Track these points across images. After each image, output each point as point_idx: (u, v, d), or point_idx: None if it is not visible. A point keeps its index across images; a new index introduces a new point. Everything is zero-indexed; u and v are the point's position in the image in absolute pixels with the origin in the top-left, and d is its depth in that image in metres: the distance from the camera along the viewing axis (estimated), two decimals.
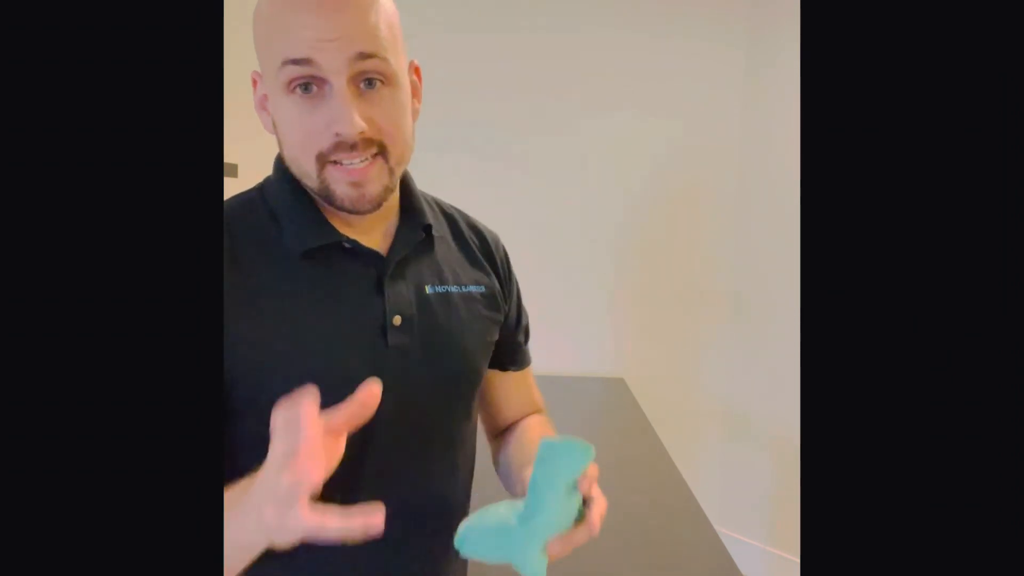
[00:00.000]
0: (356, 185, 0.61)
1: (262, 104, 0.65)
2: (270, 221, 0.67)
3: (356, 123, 0.58)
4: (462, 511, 0.78)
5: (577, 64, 2.37)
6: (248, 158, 1.61)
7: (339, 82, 0.58)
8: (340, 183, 0.61)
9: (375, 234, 0.70)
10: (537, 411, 0.90)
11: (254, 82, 0.65)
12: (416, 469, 0.70)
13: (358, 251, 0.66)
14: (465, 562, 0.79)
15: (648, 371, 2.43)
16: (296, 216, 0.66)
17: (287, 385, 0.60)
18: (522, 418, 0.88)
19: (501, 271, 0.80)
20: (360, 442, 0.65)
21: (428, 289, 0.70)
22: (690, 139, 2.39)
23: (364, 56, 0.58)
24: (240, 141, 1.29)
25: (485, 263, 0.78)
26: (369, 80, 0.60)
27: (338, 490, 0.62)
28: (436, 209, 0.78)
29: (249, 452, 0.62)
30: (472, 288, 0.74)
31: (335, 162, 0.60)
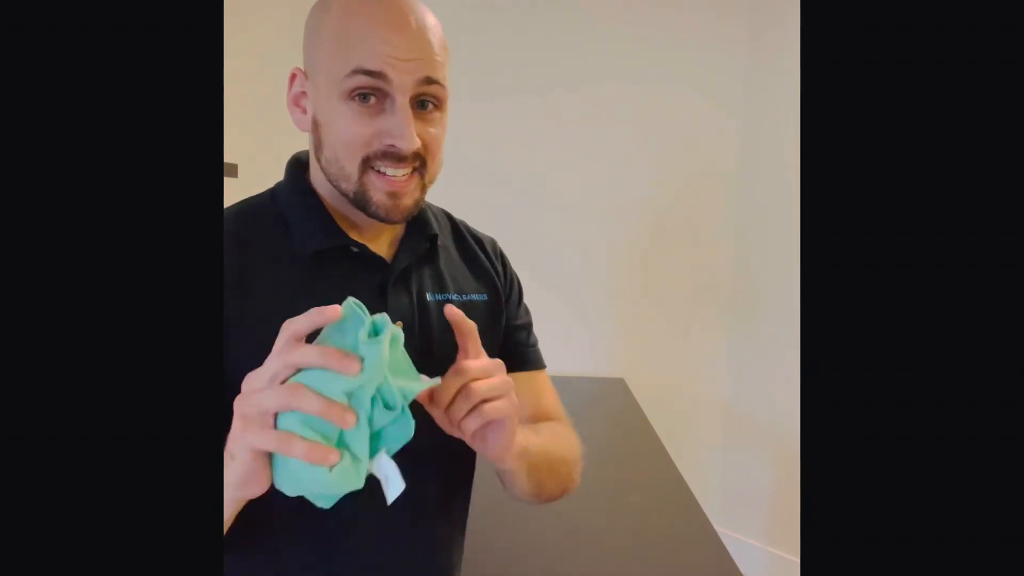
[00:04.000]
0: (393, 195, 0.63)
1: (296, 101, 0.67)
2: (280, 226, 0.68)
3: (414, 140, 0.61)
4: (460, 517, 0.78)
5: (576, 68, 2.37)
6: (248, 158, 1.61)
7: (403, 100, 0.61)
8: (379, 191, 0.63)
9: (382, 241, 0.71)
10: (549, 418, 0.81)
11: (292, 77, 0.67)
12: (414, 474, 0.68)
13: (364, 256, 0.68)
14: (460, 554, 0.79)
15: (648, 371, 2.43)
16: (306, 219, 0.68)
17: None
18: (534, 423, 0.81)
19: (503, 273, 0.81)
20: None
21: (429, 297, 0.71)
22: (689, 139, 2.39)
23: (430, 81, 0.62)
24: (240, 141, 1.29)
25: (488, 269, 0.80)
26: (422, 102, 0.63)
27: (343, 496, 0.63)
28: (442, 219, 0.80)
29: None
30: (473, 296, 0.76)
31: (378, 171, 0.63)
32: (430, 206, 0.78)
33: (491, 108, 2.36)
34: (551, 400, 0.82)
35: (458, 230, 0.81)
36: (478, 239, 0.82)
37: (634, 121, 2.38)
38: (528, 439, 0.68)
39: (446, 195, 0.84)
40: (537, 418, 0.80)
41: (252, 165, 1.62)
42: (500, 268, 0.82)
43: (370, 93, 0.61)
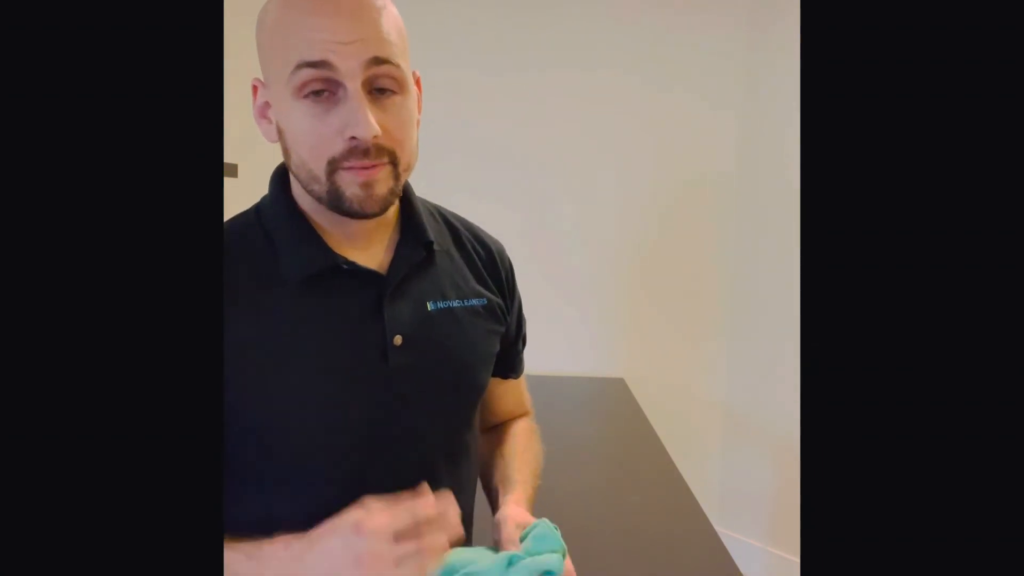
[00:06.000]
0: (365, 186, 0.60)
1: (262, 113, 0.65)
2: (267, 246, 0.66)
3: (372, 126, 0.58)
4: (468, 523, 0.77)
5: (576, 67, 2.37)
6: (248, 158, 1.61)
7: (354, 85, 0.58)
8: (351, 185, 0.60)
9: (375, 250, 0.69)
10: (524, 412, 0.91)
11: (254, 90, 0.65)
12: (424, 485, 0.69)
13: (357, 272, 0.65)
14: None
15: (648, 371, 2.43)
16: (292, 241, 0.65)
17: (288, 414, 0.61)
18: (510, 418, 0.88)
19: (504, 283, 0.79)
20: (368, 462, 0.65)
21: (430, 306, 0.69)
22: (689, 140, 2.39)
23: (379, 61, 0.58)
24: (240, 141, 1.29)
25: (488, 276, 0.77)
26: (380, 88, 0.60)
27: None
28: (439, 219, 0.77)
29: (244, 481, 0.62)
30: (475, 302, 0.73)
31: (347, 168, 0.60)
32: (425, 204, 0.76)
33: (491, 114, 2.36)
34: (527, 394, 0.93)
35: (457, 231, 0.78)
36: (481, 241, 0.80)
37: (635, 122, 2.38)
38: (526, 492, 0.75)
39: (450, 200, 0.83)
40: (518, 411, 0.90)
41: (252, 165, 1.62)
42: (505, 274, 0.80)
43: (321, 88, 0.58)
